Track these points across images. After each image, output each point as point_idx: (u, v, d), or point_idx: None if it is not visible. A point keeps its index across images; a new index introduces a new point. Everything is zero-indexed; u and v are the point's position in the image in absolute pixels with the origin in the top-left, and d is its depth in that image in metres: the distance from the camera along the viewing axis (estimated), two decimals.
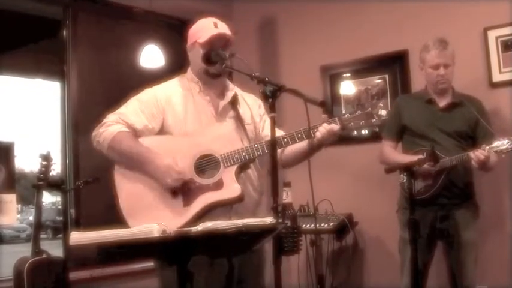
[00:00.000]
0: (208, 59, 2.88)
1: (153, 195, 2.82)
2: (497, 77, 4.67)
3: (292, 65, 5.73)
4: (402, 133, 4.30)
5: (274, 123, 2.48)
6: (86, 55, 5.14)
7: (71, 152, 4.89)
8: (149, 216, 2.73)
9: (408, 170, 3.64)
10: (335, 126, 2.75)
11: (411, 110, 4.27)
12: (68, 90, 5.01)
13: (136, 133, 2.92)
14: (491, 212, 4.55)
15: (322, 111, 2.72)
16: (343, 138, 2.98)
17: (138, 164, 2.84)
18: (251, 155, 2.80)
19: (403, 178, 4.04)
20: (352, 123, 2.79)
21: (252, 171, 2.99)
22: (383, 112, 2.79)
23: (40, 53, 5.56)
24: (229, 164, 2.79)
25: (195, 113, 2.97)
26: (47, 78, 6.08)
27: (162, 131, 2.96)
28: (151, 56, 5.21)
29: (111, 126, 2.90)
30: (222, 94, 3.06)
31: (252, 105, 3.16)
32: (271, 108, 2.47)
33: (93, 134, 2.95)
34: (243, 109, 3.10)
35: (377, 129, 2.83)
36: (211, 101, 3.02)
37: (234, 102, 3.06)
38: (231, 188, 2.78)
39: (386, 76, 5.25)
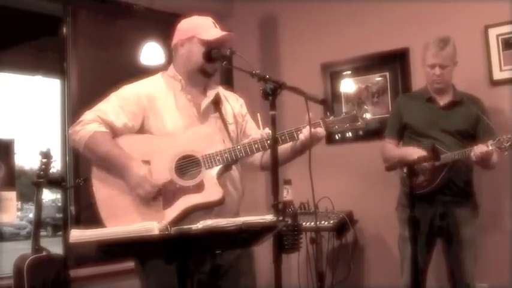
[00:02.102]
0: (209, 56, 2.85)
1: (131, 197, 2.74)
2: (497, 75, 4.66)
3: (293, 63, 5.73)
4: (403, 132, 4.31)
5: (274, 122, 2.46)
6: (86, 52, 5.14)
7: (70, 149, 4.88)
8: (128, 219, 2.65)
9: (409, 167, 3.65)
10: (319, 129, 2.70)
11: (412, 108, 4.28)
12: (68, 87, 5.02)
13: (114, 132, 2.83)
14: (492, 210, 4.55)
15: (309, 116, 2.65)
16: (343, 136, 2.95)
17: (113, 168, 2.77)
18: (233, 156, 2.74)
19: (404, 173, 4.04)
20: (336, 126, 2.73)
21: (233, 171, 2.91)
22: (367, 115, 2.74)
23: (40, 50, 5.55)
24: (210, 166, 2.73)
25: (177, 112, 2.89)
26: (47, 76, 6.07)
27: (142, 129, 2.88)
28: (151, 53, 5.20)
29: (89, 125, 2.80)
30: (204, 92, 2.98)
31: (234, 105, 3.10)
32: (272, 106, 2.45)
33: (70, 131, 2.86)
34: (225, 108, 3.03)
35: (361, 132, 2.80)
36: (192, 99, 2.94)
37: (216, 102, 2.99)
38: (212, 191, 2.72)
39: (387, 74, 5.24)
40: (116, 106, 2.86)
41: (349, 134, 2.79)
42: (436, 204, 4.09)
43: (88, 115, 2.85)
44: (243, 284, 2.94)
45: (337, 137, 2.81)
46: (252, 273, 3.01)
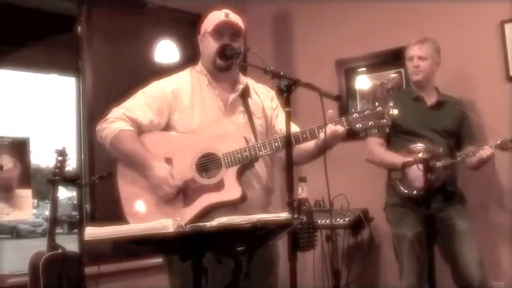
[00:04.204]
0: (222, 53, 2.85)
1: (153, 195, 2.78)
2: None
3: (307, 60, 5.70)
4: (390, 130, 4.26)
5: (289, 118, 2.45)
6: (101, 50, 5.15)
7: (86, 147, 4.90)
8: (149, 216, 2.70)
9: (425, 163, 3.65)
10: (340, 128, 2.67)
11: (400, 107, 4.24)
12: (83, 85, 5.03)
13: (140, 128, 2.87)
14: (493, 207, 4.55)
15: (328, 111, 2.64)
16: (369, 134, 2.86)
17: (136, 167, 2.81)
18: (253, 154, 2.74)
19: (398, 175, 4.06)
20: (360, 124, 2.68)
21: (260, 169, 2.92)
22: (395, 111, 2.66)
23: (55, 48, 5.56)
24: (230, 164, 2.74)
25: (202, 107, 2.91)
26: (62, 74, 6.09)
27: (168, 125, 2.92)
28: (166, 51, 5.20)
29: (114, 123, 2.85)
30: (232, 87, 3.00)
31: (263, 98, 3.09)
32: (286, 102, 2.44)
33: (97, 128, 2.92)
34: (253, 102, 3.03)
35: (387, 130, 2.74)
36: (219, 94, 2.95)
37: (244, 95, 3.00)
38: (231, 190, 2.73)
39: (402, 70, 5.20)
40: (142, 103, 2.90)
41: (375, 131, 2.72)
42: (429, 205, 4.06)
43: (114, 112, 2.90)
44: (265, 283, 2.95)
45: (361, 135, 2.73)
46: (275, 271, 3.01)
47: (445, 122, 4.24)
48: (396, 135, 4.27)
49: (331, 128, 2.66)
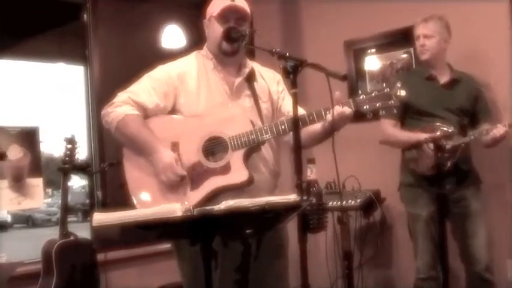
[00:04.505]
0: (228, 36, 2.83)
1: (158, 180, 2.77)
2: None
3: (316, 41, 5.67)
4: (402, 111, 4.22)
5: (296, 100, 2.43)
6: (108, 38, 5.14)
7: (95, 134, 4.91)
8: (155, 200, 2.73)
9: (435, 143, 3.63)
10: (347, 110, 2.65)
11: (412, 87, 4.18)
12: (91, 73, 5.03)
13: (146, 112, 2.86)
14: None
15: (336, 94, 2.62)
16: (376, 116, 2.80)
17: (142, 151, 2.82)
18: (260, 137, 2.73)
19: (412, 154, 4.03)
20: (367, 106, 2.66)
21: (266, 152, 2.92)
22: (402, 92, 2.64)
23: (62, 37, 5.58)
24: (237, 148, 2.73)
25: (208, 91, 2.90)
26: (69, 63, 6.11)
27: (174, 109, 2.91)
28: (173, 36, 5.20)
29: (120, 107, 2.85)
30: (238, 71, 2.98)
31: (269, 82, 3.07)
32: (293, 84, 2.42)
33: (102, 112, 2.91)
34: (260, 86, 3.02)
35: (395, 111, 2.72)
36: (225, 78, 2.94)
37: (250, 79, 2.98)
38: (238, 173, 2.72)
39: (412, 50, 5.15)
40: (148, 87, 2.89)
41: (382, 113, 2.70)
42: (442, 184, 4.04)
43: (120, 96, 2.90)
44: (275, 265, 2.95)
45: (369, 116, 2.71)
46: (285, 253, 3.01)
47: (459, 100, 4.17)
48: (410, 116, 4.24)
49: (338, 109, 2.65)
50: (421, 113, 4.18)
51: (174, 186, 2.75)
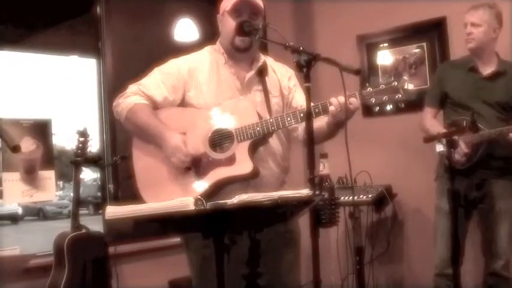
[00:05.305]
0: (241, 29, 2.81)
1: (167, 169, 2.79)
2: None
3: (328, 35, 5.65)
4: (444, 101, 4.21)
5: (309, 94, 2.42)
6: (120, 30, 5.13)
7: (108, 127, 4.91)
8: (162, 190, 2.75)
9: (448, 139, 3.60)
10: (352, 100, 2.62)
11: (453, 78, 4.18)
12: (104, 66, 5.03)
13: (155, 105, 2.89)
14: None
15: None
16: (381, 109, 2.80)
17: (151, 139, 2.84)
18: (265, 129, 2.72)
19: (441, 147, 3.98)
20: (373, 99, 2.65)
21: (276, 145, 2.91)
22: (410, 86, 2.62)
23: (75, 30, 5.57)
24: (242, 139, 2.73)
25: (218, 86, 2.90)
26: (82, 55, 6.11)
27: (183, 103, 2.92)
28: (185, 29, 5.20)
29: (130, 98, 2.89)
30: (250, 66, 2.98)
31: (281, 77, 3.06)
32: (306, 78, 2.40)
33: (114, 103, 2.96)
34: (271, 81, 3.01)
35: (402, 105, 2.70)
36: (236, 73, 2.94)
37: (261, 73, 2.97)
38: (243, 164, 2.72)
39: (424, 44, 5.14)
40: (158, 80, 2.92)
41: (389, 107, 2.69)
42: (473, 176, 4.02)
43: (131, 88, 2.94)
44: (286, 259, 2.94)
45: (375, 110, 2.70)
46: (296, 248, 3.00)
47: (499, 94, 4.05)
48: (449, 106, 4.21)
49: (341, 100, 2.61)
50: (457, 105, 4.13)
51: (181, 174, 2.77)
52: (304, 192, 2.13)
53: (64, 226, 4.17)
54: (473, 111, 3.91)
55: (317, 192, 2.24)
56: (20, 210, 21.26)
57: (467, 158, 3.94)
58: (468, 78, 4.12)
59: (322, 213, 2.46)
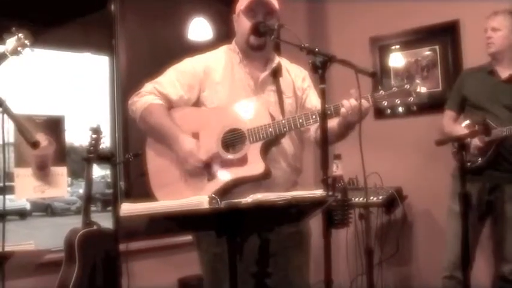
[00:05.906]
0: (256, 30, 2.82)
1: (179, 168, 2.80)
2: None
3: (341, 37, 5.65)
4: (464, 104, 4.24)
5: (324, 95, 2.43)
6: (134, 28, 5.15)
7: (120, 125, 4.93)
8: (174, 189, 2.76)
9: (460, 142, 3.60)
10: (365, 103, 2.62)
11: (473, 81, 4.23)
12: (117, 63, 5.04)
13: (170, 104, 2.90)
14: None
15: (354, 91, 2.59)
16: (393, 112, 2.79)
17: (164, 139, 2.84)
18: (277, 130, 2.72)
19: (454, 148, 4.01)
20: (385, 102, 2.64)
21: (288, 147, 2.92)
22: (422, 89, 2.61)
23: (88, 27, 5.58)
24: (254, 140, 2.73)
25: (232, 85, 2.91)
26: (95, 53, 6.12)
27: (198, 102, 2.94)
28: (199, 28, 5.21)
29: (145, 97, 2.90)
30: (264, 66, 2.98)
31: (295, 78, 3.07)
32: (321, 79, 2.41)
33: (129, 102, 2.97)
34: (285, 81, 3.01)
35: (414, 108, 2.69)
36: (250, 72, 2.94)
37: (275, 74, 2.98)
38: (255, 165, 2.72)
39: (437, 47, 5.14)
40: (173, 79, 2.93)
41: (401, 109, 2.68)
42: (485, 179, 4.03)
43: (146, 87, 2.95)
44: (296, 258, 2.95)
45: (387, 112, 2.70)
46: (307, 248, 3.01)
47: None
48: (468, 109, 4.25)
49: (352, 102, 2.62)
50: (475, 107, 4.17)
51: (194, 175, 2.77)
52: (318, 192, 2.14)
53: (72, 222, 4.20)
54: (490, 115, 3.96)
55: (330, 193, 2.25)
56: (28, 206, 21.29)
57: (481, 153, 3.95)
58: (487, 81, 4.16)
59: (334, 214, 2.46)
